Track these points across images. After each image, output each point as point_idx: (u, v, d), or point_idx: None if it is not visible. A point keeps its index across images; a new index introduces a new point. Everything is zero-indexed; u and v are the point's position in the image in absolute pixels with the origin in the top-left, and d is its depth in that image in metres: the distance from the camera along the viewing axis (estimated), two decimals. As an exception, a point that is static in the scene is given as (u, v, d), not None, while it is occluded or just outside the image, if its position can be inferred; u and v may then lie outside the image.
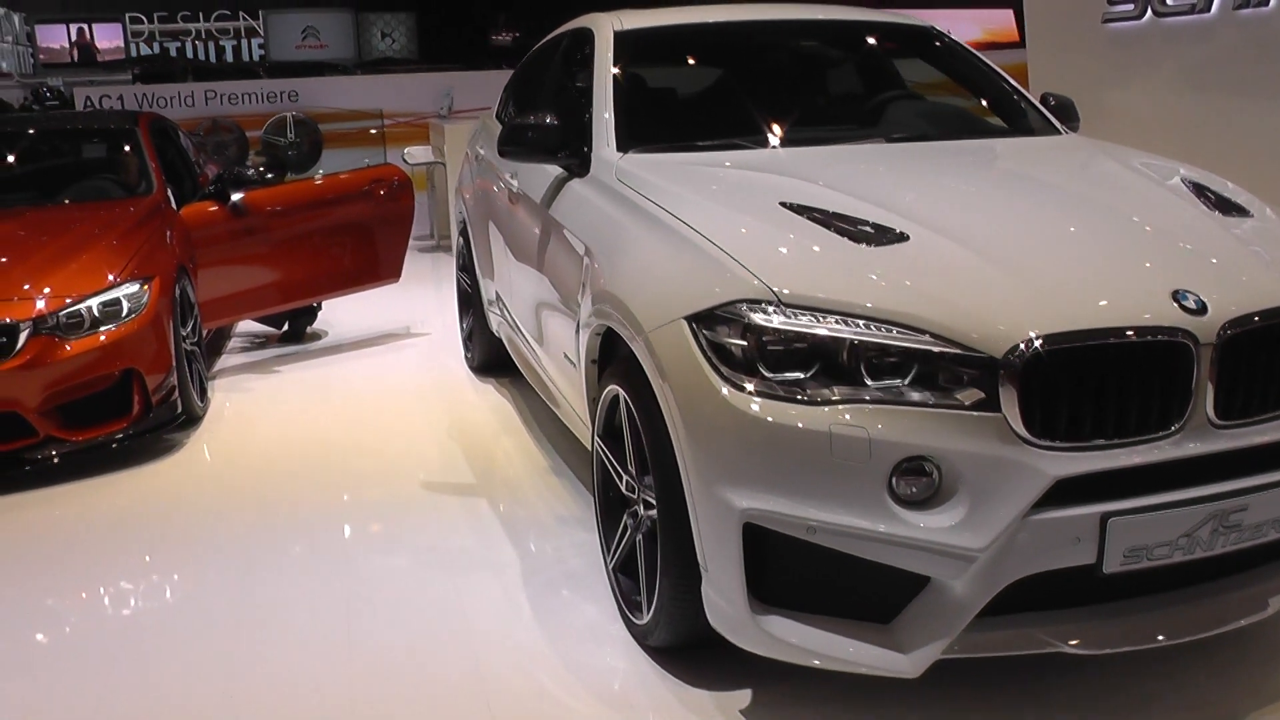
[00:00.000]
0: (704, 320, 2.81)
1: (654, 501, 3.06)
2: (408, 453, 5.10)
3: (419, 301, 8.05)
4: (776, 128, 4.16)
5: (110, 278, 5.12)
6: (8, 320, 4.84)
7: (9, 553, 4.36)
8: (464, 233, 6.16)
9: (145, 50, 32.03)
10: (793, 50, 4.90)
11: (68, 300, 4.97)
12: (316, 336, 7.20)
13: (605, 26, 4.51)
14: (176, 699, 3.22)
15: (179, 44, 32.70)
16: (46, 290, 4.99)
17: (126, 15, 32.83)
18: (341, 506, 4.61)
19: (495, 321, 5.60)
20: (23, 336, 4.84)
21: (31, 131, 7.21)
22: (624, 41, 4.43)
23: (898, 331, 2.62)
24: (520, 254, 4.71)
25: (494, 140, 5.53)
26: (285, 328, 7.17)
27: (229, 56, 32.55)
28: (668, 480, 2.93)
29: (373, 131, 11.34)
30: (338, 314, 7.45)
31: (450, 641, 3.42)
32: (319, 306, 7.20)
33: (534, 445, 5.05)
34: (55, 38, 33.98)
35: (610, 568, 3.50)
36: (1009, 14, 20.00)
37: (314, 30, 32.05)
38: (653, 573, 3.13)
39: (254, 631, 3.57)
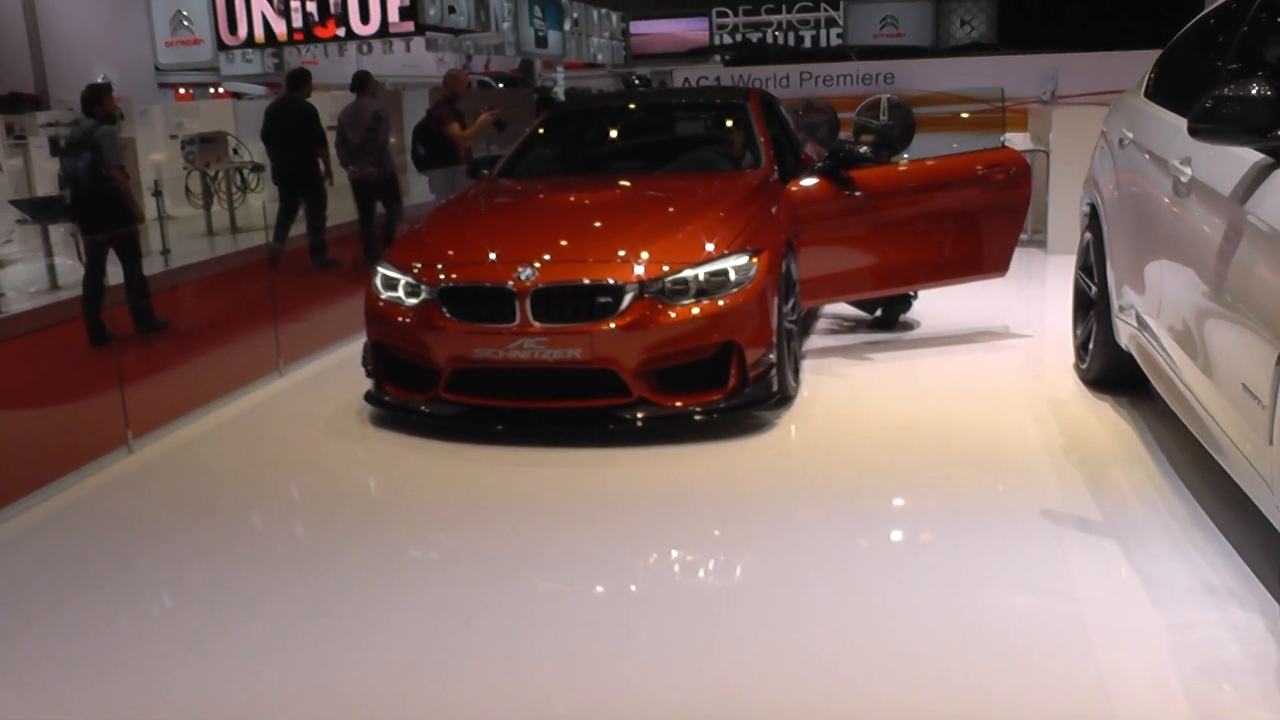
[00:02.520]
0: None
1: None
2: (1018, 470, 4.50)
3: (1013, 299, 7.39)
4: None
5: (719, 248, 4.96)
6: (614, 281, 4.81)
7: (589, 506, 4.37)
8: (1092, 227, 5.43)
9: (728, 41, 33.44)
10: None
11: (675, 267, 4.87)
12: (908, 326, 6.76)
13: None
14: (727, 681, 3.02)
15: (760, 35, 33.78)
16: (654, 256, 4.93)
17: (713, 10, 34.46)
18: (940, 517, 4.11)
19: (1126, 332, 4.85)
20: (627, 298, 4.80)
21: (647, 105, 7.34)
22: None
23: None
24: (1183, 255, 3.95)
25: (1144, 121, 4.82)
26: (878, 313, 6.79)
27: (806, 45, 33.15)
28: None
29: (964, 116, 10.74)
30: (931, 305, 6.95)
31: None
32: (915, 295, 6.76)
33: (1166, 485, 4.25)
34: (647, 32, 36.18)
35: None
36: None
37: (892, 19, 31.88)
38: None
39: (836, 632, 3.21)
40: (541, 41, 29.43)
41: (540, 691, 3.05)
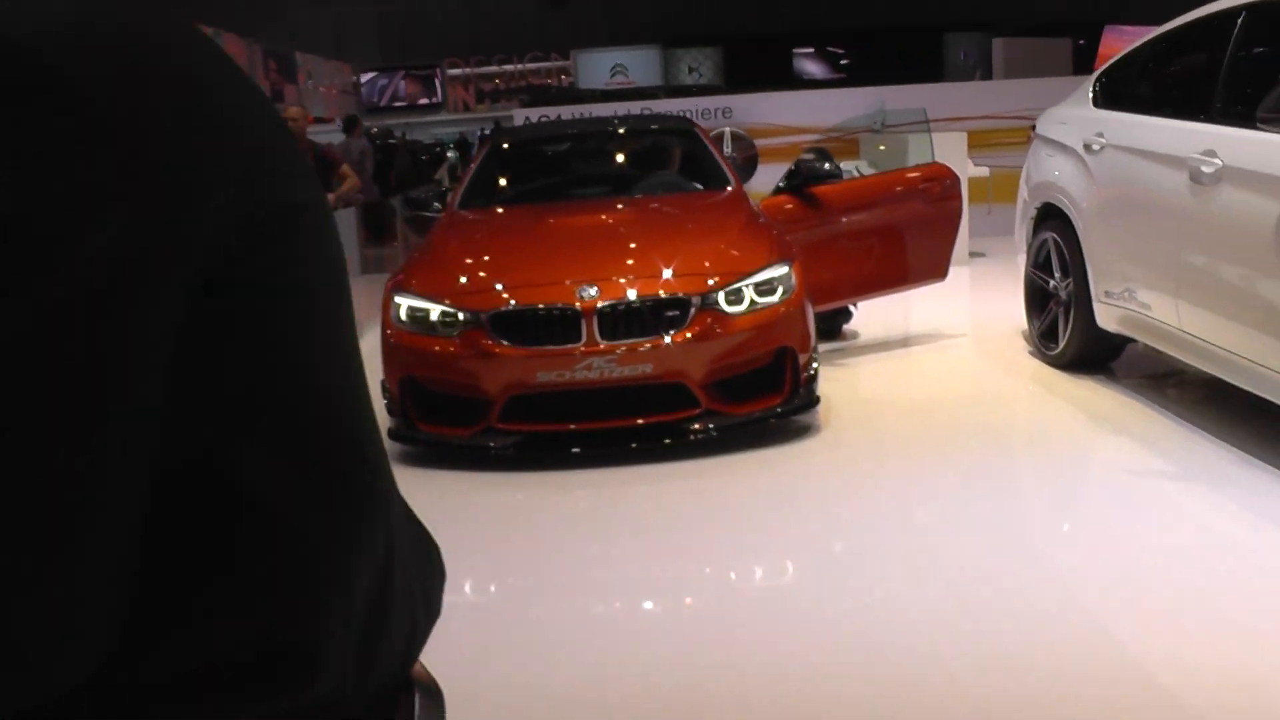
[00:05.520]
0: None
1: None
2: (1060, 442, 4.97)
3: (914, 307, 7.90)
4: None
5: (761, 259, 5.19)
6: (680, 294, 4.95)
7: (649, 517, 4.46)
8: (1054, 228, 5.97)
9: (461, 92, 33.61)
10: None
11: (728, 278, 5.05)
12: (852, 336, 7.15)
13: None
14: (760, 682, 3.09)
15: (494, 84, 34.13)
16: (706, 269, 5.10)
17: (445, 60, 34.58)
18: (1030, 486, 4.47)
19: (1115, 315, 5.40)
20: (693, 310, 4.93)
21: (597, 132, 7.46)
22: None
23: None
24: (1220, 235, 4.51)
25: (1126, 128, 5.39)
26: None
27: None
28: None
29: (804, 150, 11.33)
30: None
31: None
32: (855, 306, 7.14)
33: (1198, 438, 4.78)
34: (375, 84, 35.84)
35: None
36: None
37: (622, 67, 32.81)
38: None
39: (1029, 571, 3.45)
40: (277, 95, 28.77)
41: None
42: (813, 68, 31.58)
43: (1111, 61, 5.97)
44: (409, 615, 1.11)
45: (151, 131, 0.88)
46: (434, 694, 1.15)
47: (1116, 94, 5.74)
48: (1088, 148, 5.66)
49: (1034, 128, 6.57)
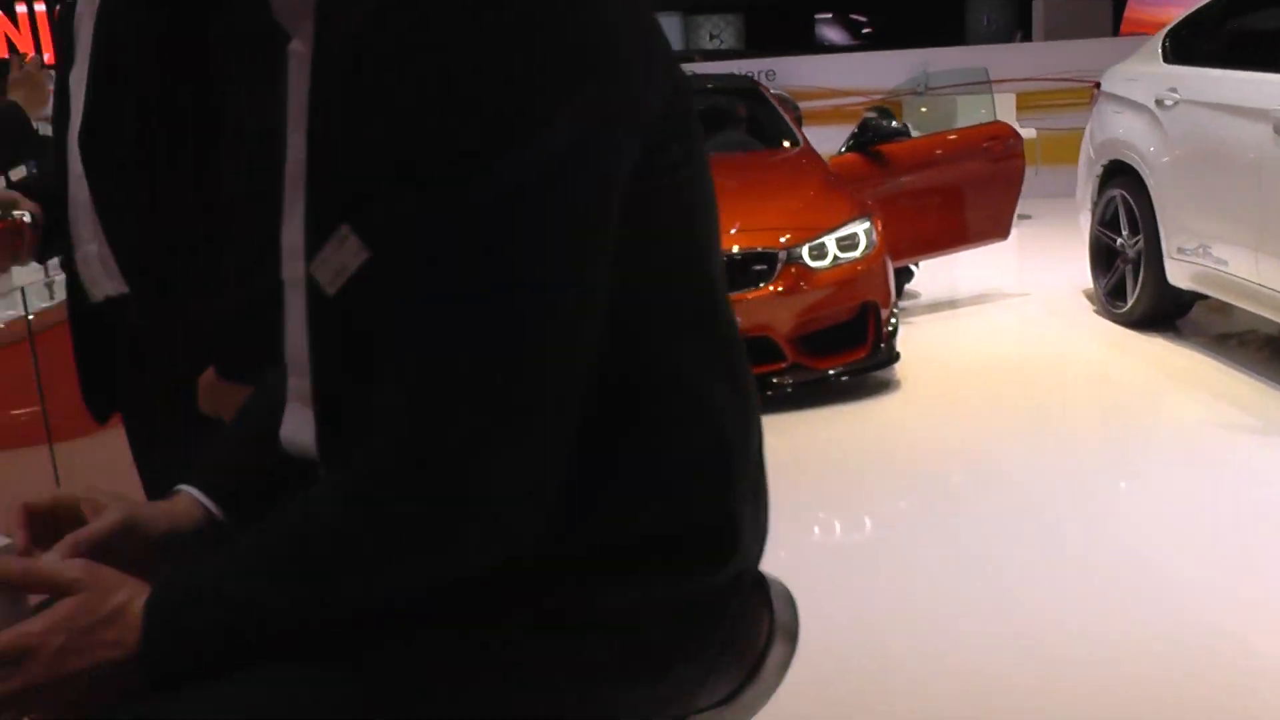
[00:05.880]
0: None
1: None
2: (1144, 398, 5.07)
3: (966, 267, 7.92)
4: None
5: (843, 214, 5.25)
6: (765, 248, 5.01)
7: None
8: (1123, 185, 6.00)
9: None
10: None
11: (813, 233, 5.11)
12: (914, 295, 7.19)
13: None
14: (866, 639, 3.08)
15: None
16: (790, 223, 5.17)
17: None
18: (1123, 437, 4.55)
19: (1189, 271, 5.45)
20: (779, 265, 4.99)
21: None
22: None
23: None
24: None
25: (1201, 82, 5.43)
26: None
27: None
28: None
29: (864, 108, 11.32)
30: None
31: None
32: (917, 266, 7.18)
33: (1275, 393, 4.84)
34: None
35: None
36: None
37: (642, 34, 32.74)
38: None
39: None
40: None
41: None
42: (832, 34, 31.50)
43: (1183, 17, 5.99)
44: (767, 501, 1.19)
45: (608, 20, 0.97)
46: (784, 590, 1.22)
47: (1189, 49, 5.76)
48: (1160, 104, 5.69)
49: (1098, 85, 6.60)
